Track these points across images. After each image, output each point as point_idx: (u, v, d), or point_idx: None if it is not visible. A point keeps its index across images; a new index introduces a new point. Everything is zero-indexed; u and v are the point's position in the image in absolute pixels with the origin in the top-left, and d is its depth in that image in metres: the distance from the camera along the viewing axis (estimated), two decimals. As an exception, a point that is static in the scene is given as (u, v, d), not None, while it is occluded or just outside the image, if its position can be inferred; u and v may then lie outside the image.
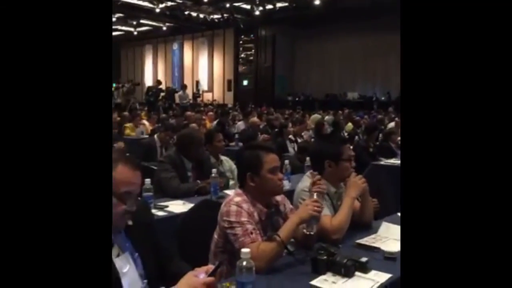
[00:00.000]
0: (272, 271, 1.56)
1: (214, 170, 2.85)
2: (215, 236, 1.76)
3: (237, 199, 1.72)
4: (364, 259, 1.58)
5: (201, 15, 16.36)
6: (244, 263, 1.25)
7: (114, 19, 17.31)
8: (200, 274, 1.23)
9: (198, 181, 2.99)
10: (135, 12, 16.06)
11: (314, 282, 1.49)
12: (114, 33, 20.60)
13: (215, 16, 16.67)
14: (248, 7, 15.37)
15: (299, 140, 5.90)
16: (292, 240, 1.73)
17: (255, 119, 7.69)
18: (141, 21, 17.85)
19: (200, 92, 18.66)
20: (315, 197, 1.72)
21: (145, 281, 1.37)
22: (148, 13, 15.94)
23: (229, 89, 19.28)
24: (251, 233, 1.62)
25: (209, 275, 1.22)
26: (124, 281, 1.29)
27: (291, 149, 5.68)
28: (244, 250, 1.26)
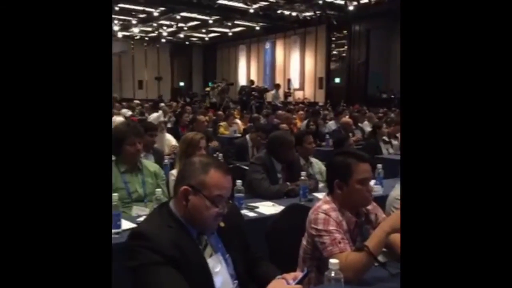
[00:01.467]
0: (362, 283, 1.52)
1: (303, 173, 2.85)
2: (304, 242, 1.76)
3: (325, 206, 1.70)
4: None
5: (294, 14, 16.41)
6: (333, 273, 1.23)
7: (210, 21, 18.20)
8: (289, 281, 1.24)
9: (288, 183, 3.01)
10: (230, 14, 16.68)
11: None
12: (211, 35, 21.65)
13: (308, 14, 16.59)
14: (342, 2, 15.02)
15: (393, 142, 5.62)
16: (384, 249, 1.66)
17: (347, 118, 7.44)
18: (236, 22, 18.48)
19: (292, 91, 18.73)
20: None
21: (236, 281, 1.43)
22: (242, 14, 16.45)
23: (320, 87, 19.04)
24: (339, 242, 1.59)
25: (297, 283, 1.23)
26: (217, 280, 1.36)
27: (385, 151, 5.45)
28: (332, 260, 1.25)
